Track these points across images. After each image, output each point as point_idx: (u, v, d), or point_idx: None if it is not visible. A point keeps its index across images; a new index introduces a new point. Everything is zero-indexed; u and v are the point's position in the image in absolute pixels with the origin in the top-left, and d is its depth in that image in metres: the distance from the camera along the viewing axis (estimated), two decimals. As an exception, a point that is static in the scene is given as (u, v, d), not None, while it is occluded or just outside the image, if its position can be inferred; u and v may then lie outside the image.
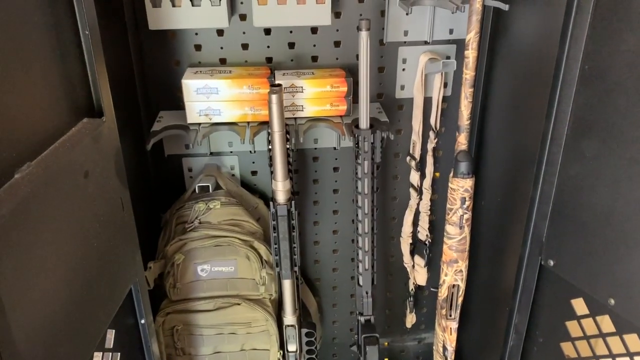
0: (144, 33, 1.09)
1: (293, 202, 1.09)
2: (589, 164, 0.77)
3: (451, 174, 1.13)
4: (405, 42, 1.18)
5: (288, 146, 1.06)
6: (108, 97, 0.74)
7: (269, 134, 1.03)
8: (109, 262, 0.74)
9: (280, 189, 1.08)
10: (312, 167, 1.29)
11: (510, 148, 1.08)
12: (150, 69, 1.14)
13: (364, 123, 1.08)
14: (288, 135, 1.08)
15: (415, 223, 1.36)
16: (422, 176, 1.30)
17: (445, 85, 1.23)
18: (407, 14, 0.99)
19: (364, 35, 0.99)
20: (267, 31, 1.14)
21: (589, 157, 0.76)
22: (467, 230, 1.17)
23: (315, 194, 1.33)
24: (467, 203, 1.14)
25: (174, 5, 1.00)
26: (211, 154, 1.23)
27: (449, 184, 1.14)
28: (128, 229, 0.81)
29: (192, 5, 1.01)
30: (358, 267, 1.20)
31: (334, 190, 1.33)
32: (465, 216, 1.15)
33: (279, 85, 1.02)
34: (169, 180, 1.26)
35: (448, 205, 1.16)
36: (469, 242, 1.18)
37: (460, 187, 1.12)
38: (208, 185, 1.16)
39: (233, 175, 1.28)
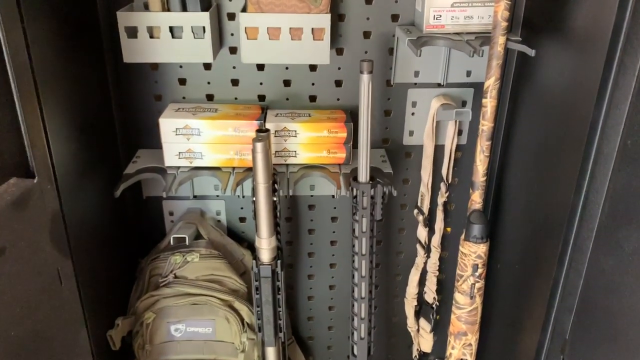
0: (122, 65, 0.97)
1: (279, 261, 0.96)
2: (627, 260, 0.61)
3: (462, 236, 0.99)
4: (415, 83, 1.04)
5: (275, 198, 0.93)
6: (43, 152, 0.61)
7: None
8: (40, 349, 0.61)
9: (265, 247, 0.94)
10: (308, 216, 1.16)
11: (531, 214, 0.93)
12: (129, 104, 1.03)
13: (363, 176, 0.94)
14: (277, 185, 0.95)
15: (421, 282, 1.21)
16: (431, 232, 1.15)
17: (460, 132, 1.09)
18: (417, 56, 0.86)
19: (365, 78, 0.86)
20: (260, 67, 1.01)
21: (628, 252, 0.61)
22: (478, 300, 1.02)
23: (311, 245, 1.19)
24: (479, 271, 0.99)
25: (152, 37, 0.89)
26: (195, 197, 1.10)
27: (460, 247, 1.00)
28: (69, 305, 0.68)
29: (173, 37, 0.89)
30: (353, 335, 1.06)
31: (331, 242, 1.19)
32: (477, 285, 1.01)
33: (266, 131, 0.89)
34: (148, 224, 1.14)
35: (458, 271, 1.02)
36: (481, 313, 1.03)
37: (473, 253, 0.98)
38: (184, 237, 1.03)
39: (219, 221, 1.15)
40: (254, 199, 0.91)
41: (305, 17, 0.88)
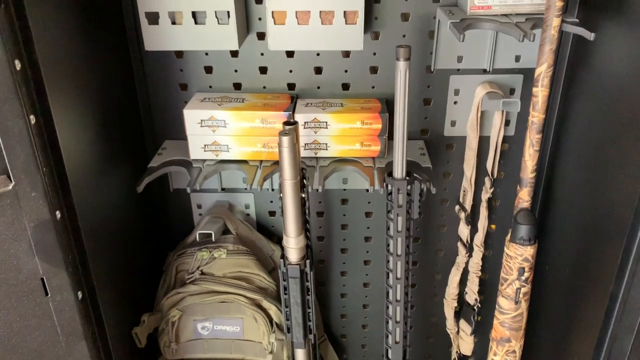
0: (146, 54, 0.93)
1: (308, 261, 0.91)
2: None
3: (508, 237, 0.91)
4: (458, 69, 0.95)
5: (304, 195, 0.87)
6: (27, 153, 0.56)
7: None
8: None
9: (292, 246, 0.89)
10: (341, 210, 1.10)
11: (586, 216, 0.84)
12: (154, 94, 0.99)
13: (399, 171, 0.87)
14: (305, 181, 0.89)
15: (462, 282, 1.14)
16: (473, 230, 1.07)
17: (507, 123, 1.00)
18: (460, 41, 0.77)
19: (401, 66, 0.79)
20: (290, 53, 0.95)
21: None
22: (524, 305, 0.94)
23: (344, 241, 1.13)
24: (526, 275, 0.91)
25: (174, 23, 0.84)
26: (223, 189, 1.06)
27: (505, 249, 0.92)
28: (60, 317, 0.64)
29: (196, 22, 0.84)
30: (387, 338, 1.00)
31: (365, 238, 1.13)
32: (523, 290, 0.93)
33: (294, 123, 0.83)
34: (176, 216, 1.10)
35: (502, 275, 0.94)
36: (526, 319, 0.95)
37: (519, 255, 0.90)
38: (211, 233, 0.99)
39: (248, 215, 1.10)
40: (281, 195, 0.86)
41: (336, -1, 0.81)
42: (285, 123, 0.83)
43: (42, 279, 0.60)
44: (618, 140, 0.74)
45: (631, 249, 0.65)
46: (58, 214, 0.62)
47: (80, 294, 0.68)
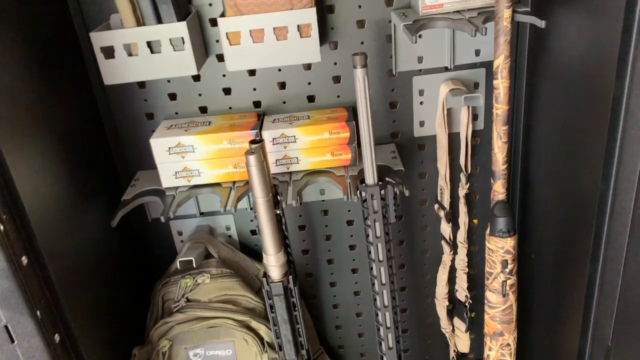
0: (109, 87, 0.93)
1: (290, 277, 0.90)
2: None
3: (487, 230, 0.91)
4: (420, 70, 0.96)
5: (278, 211, 0.87)
6: None
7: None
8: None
9: (273, 263, 0.88)
10: (322, 222, 1.10)
11: (560, 205, 0.84)
12: (122, 126, 0.98)
13: (370, 177, 0.87)
14: (279, 197, 0.89)
15: (451, 281, 1.13)
16: (455, 227, 1.07)
17: (476, 117, 1.00)
18: (413, 42, 0.78)
19: (359, 73, 0.79)
20: (252, 71, 0.95)
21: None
22: (512, 297, 0.94)
23: (329, 252, 1.13)
24: (509, 267, 0.91)
25: (130, 55, 0.83)
26: (202, 214, 1.05)
27: (486, 243, 0.92)
28: None
29: (152, 52, 0.83)
30: (381, 345, 0.99)
31: (350, 247, 1.12)
32: (509, 282, 0.92)
33: (260, 141, 0.83)
34: (158, 246, 1.10)
35: (487, 269, 0.94)
36: (517, 311, 0.95)
37: (500, 248, 0.89)
38: (191, 260, 0.98)
39: (230, 236, 1.10)
40: (255, 214, 0.86)
41: (288, 14, 0.82)
42: (251, 142, 0.83)
43: (6, 327, 0.59)
44: (578, 127, 0.74)
45: (601, 235, 0.65)
46: (24, 260, 0.61)
47: (57, 337, 0.67)
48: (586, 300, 0.69)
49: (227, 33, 0.82)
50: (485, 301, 0.96)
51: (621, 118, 0.58)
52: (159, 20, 0.82)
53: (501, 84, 0.82)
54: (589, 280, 0.68)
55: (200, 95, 0.96)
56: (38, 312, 0.62)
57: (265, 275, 0.90)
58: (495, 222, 0.89)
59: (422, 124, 1.00)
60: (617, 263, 0.61)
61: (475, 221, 1.11)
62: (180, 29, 0.82)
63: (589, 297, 0.69)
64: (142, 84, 0.95)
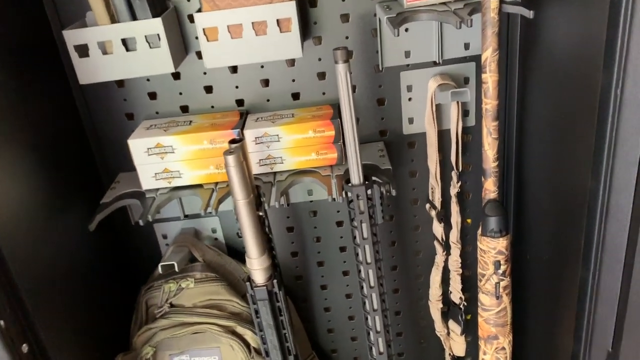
0: (87, 87, 0.90)
1: (275, 280, 0.87)
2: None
3: (479, 231, 0.87)
4: (408, 65, 0.92)
5: (261, 213, 0.84)
6: None
7: (234, 201, 0.81)
8: None
9: (256, 267, 0.85)
10: (311, 223, 1.06)
11: (552, 203, 0.80)
12: (102, 127, 0.96)
13: (355, 177, 0.84)
14: (262, 198, 0.86)
15: (445, 282, 1.10)
16: (448, 227, 1.04)
17: (467, 113, 0.97)
18: (395, 35, 0.74)
19: (341, 68, 0.76)
20: (234, 68, 0.92)
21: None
22: (506, 299, 0.90)
23: (319, 254, 1.10)
24: (502, 268, 0.87)
25: (104, 53, 0.81)
26: (186, 216, 1.03)
27: (478, 244, 0.89)
28: None
29: (127, 50, 0.81)
30: (371, 350, 0.96)
31: (340, 248, 1.09)
32: (502, 283, 0.89)
33: (239, 140, 0.80)
34: (143, 248, 1.07)
35: (479, 270, 0.91)
36: (512, 313, 0.92)
37: (492, 249, 0.86)
38: (173, 264, 0.96)
39: (216, 239, 1.07)
40: (236, 217, 0.83)
41: (267, 8, 0.78)
42: (231, 141, 0.80)
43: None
44: (569, 122, 0.71)
45: (592, 235, 0.61)
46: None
47: (26, 347, 0.65)
48: (578, 304, 0.66)
49: (204, 29, 0.80)
50: (479, 303, 0.93)
51: (609, 113, 0.55)
52: (134, 17, 0.80)
53: (489, 78, 0.79)
54: (580, 283, 0.65)
55: (180, 94, 0.93)
56: (2, 322, 0.60)
57: (249, 279, 0.87)
58: (487, 222, 0.85)
59: (411, 120, 0.97)
60: (616, 264, 0.57)
61: (469, 220, 1.08)
62: (155, 25, 0.79)
63: (581, 301, 0.65)
64: (120, 83, 0.92)
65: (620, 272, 0.60)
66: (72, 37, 0.79)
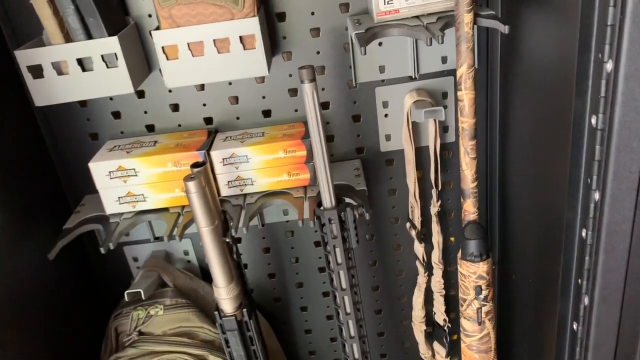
0: (49, 108, 0.86)
1: (244, 310, 0.83)
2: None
3: (459, 254, 0.83)
4: (383, 80, 0.88)
5: (228, 239, 0.80)
6: None
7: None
8: None
9: (224, 296, 0.81)
10: (288, 243, 1.02)
11: (535, 216, 0.76)
12: (66, 148, 0.92)
13: (327, 200, 0.80)
14: (230, 223, 0.82)
15: (429, 302, 1.06)
16: (429, 247, 1.00)
17: (446, 129, 0.93)
18: (362, 54, 0.70)
19: (307, 88, 0.71)
20: (201, 86, 0.88)
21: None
22: (489, 325, 0.86)
23: (297, 275, 1.06)
24: (484, 293, 0.83)
25: (60, 74, 0.77)
26: (156, 239, 0.98)
27: (458, 267, 0.84)
28: None
29: (83, 70, 0.77)
30: (349, 377, 0.92)
31: (319, 269, 1.05)
32: (484, 309, 0.85)
33: (202, 164, 0.76)
34: (114, 273, 1.03)
35: (460, 295, 0.86)
36: (495, 339, 0.87)
37: (472, 274, 0.82)
38: (139, 292, 0.91)
39: (189, 261, 1.03)
40: (201, 244, 0.78)
41: (228, 25, 0.74)
42: (193, 165, 0.76)
43: None
44: (547, 134, 0.66)
45: (570, 264, 0.57)
46: None
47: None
48: (558, 338, 0.62)
49: (163, 47, 0.75)
50: (461, 329, 0.88)
51: (586, 125, 0.50)
52: (89, 36, 0.75)
53: (465, 96, 0.74)
54: (559, 317, 0.60)
55: (146, 112, 0.89)
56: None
57: (217, 308, 0.83)
58: (466, 245, 0.81)
59: (388, 137, 0.93)
60: (614, 294, 0.53)
61: (452, 239, 1.04)
62: (112, 44, 0.75)
63: (560, 335, 0.61)
64: (83, 103, 0.88)
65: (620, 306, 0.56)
66: (25, 57, 0.75)
